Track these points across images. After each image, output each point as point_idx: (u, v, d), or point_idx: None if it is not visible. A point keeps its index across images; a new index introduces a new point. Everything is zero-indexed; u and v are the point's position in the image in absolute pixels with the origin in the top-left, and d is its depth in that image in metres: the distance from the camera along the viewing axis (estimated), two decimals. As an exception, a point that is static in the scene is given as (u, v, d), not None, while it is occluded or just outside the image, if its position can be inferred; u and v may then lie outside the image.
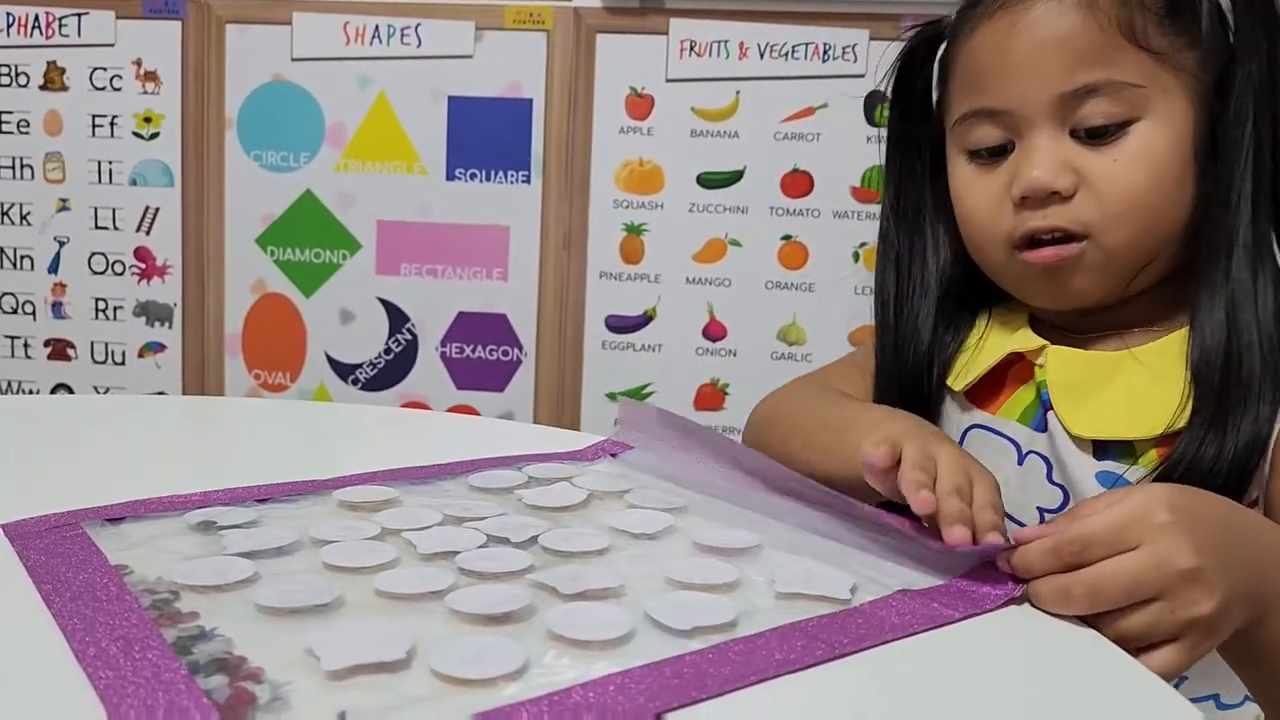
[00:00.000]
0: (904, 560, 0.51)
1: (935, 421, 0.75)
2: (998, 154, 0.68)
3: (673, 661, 0.39)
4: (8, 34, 1.81)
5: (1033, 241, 0.66)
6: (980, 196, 0.69)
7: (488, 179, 1.78)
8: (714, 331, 1.78)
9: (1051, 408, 0.66)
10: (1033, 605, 0.47)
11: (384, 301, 1.83)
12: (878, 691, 0.39)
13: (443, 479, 0.64)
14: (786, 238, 1.75)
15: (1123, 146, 0.64)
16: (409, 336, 1.83)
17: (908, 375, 0.76)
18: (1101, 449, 0.64)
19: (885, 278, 0.78)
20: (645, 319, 1.79)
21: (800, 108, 1.72)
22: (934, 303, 0.76)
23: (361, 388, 1.84)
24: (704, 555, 0.52)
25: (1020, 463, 0.68)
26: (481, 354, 1.82)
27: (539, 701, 0.35)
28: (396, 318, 1.83)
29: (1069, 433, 0.65)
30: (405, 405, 1.82)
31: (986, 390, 0.72)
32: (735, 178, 1.75)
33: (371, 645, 0.38)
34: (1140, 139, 0.63)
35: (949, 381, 0.74)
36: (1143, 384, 0.64)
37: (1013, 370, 0.71)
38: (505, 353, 1.82)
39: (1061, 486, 0.66)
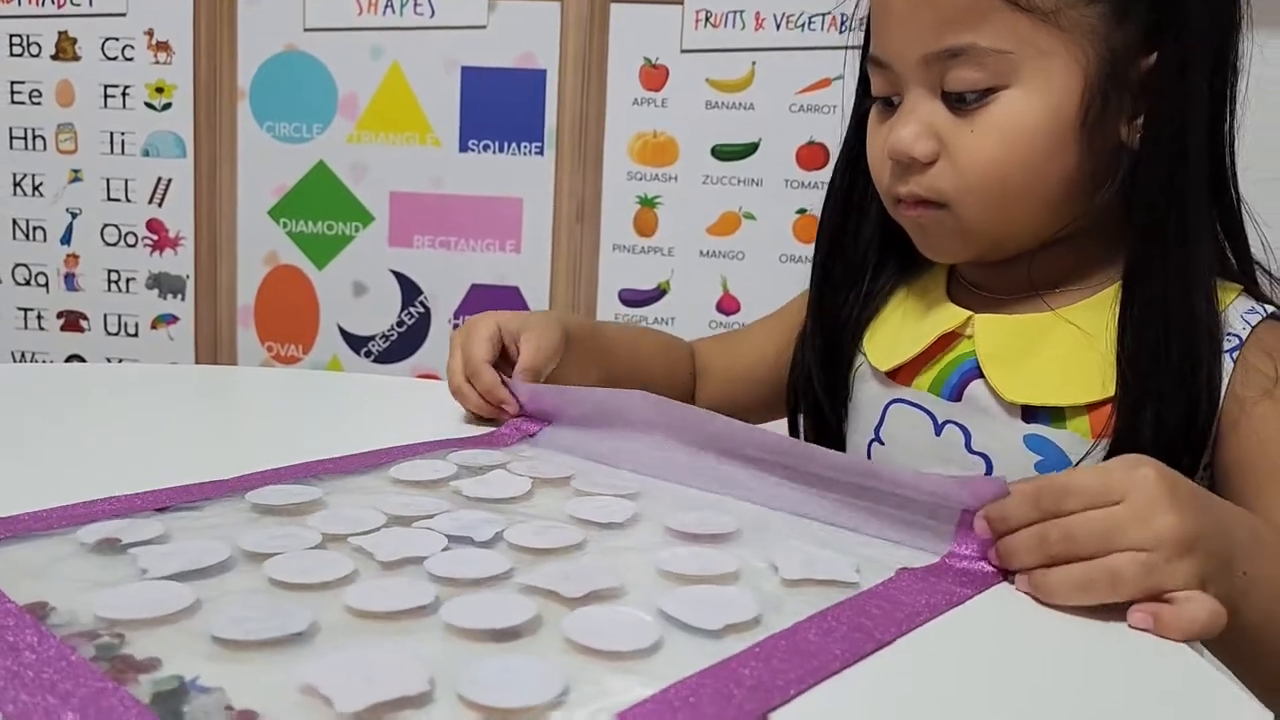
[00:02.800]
0: (872, 533, 0.51)
1: (850, 391, 0.74)
2: (890, 104, 0.65)
3: (725, 668, 0.35)
4: (19, 3, 1.80)
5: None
6: (873, 145, 0.67)
7: (501, 150, 1.77)
8: (727, 305, 1.77)
9: (980, 375, 0.64)
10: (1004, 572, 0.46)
11: (397, 274, 1.82)
12: (920, 676, 0.38)
13: (359, 473, 0.57)
14: (801, 211, 1.74)
15: (982, 117, 0.59)
16: (422, 309, 1.83)
17: (833, 335, 0.74)
18: (1030, 413, 0.62)
19: (828, 223, 0.77)
20: (659, 292, 1.78)
21: (816, 79, 1.70)
22: (873, 257, 0.74)
23: (374, 360, 1.84)
24: (686, 543, 0.49)
25: (937, 433, 0.67)
26: (494, 327, 1.81)
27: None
28: (409, 290, 1.82)
29: (1001, 398, 0.62)
30: (418, 378, 1.81)
31: (904, 363, 0.70)
32: (750, 150, 1.73)
33: (384, 677, 0.33)
34: (1004, 109, 0.59)
35: (870, 357, 0.72)
36: (1074, 345, 0.62)
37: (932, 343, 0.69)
38: (518, 326, 1.81)
39: (984, 455, 0.64)
